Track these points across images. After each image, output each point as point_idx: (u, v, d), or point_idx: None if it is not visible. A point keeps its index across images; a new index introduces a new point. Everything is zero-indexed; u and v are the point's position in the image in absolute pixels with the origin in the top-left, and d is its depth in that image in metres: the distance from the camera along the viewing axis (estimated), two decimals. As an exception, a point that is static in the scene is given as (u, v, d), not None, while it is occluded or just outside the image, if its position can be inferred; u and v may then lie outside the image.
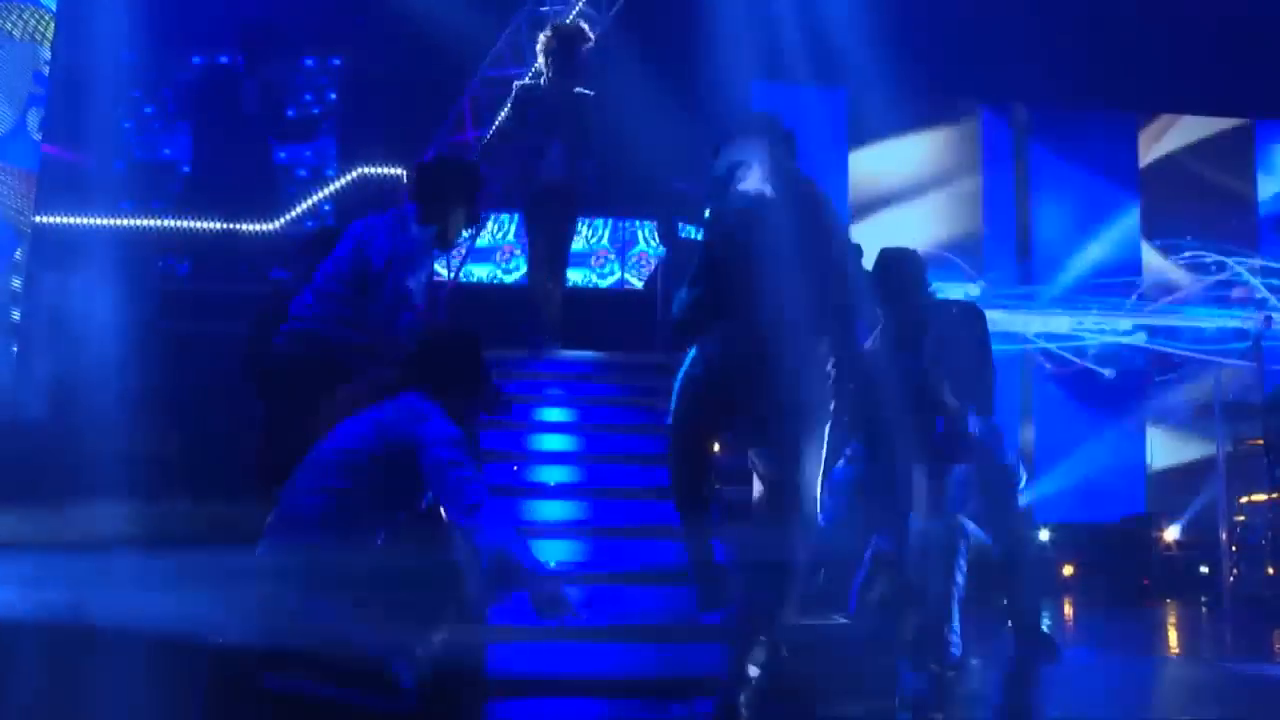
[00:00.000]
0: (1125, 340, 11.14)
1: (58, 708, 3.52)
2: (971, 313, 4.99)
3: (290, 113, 7.79)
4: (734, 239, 3.44)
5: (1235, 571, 7.13)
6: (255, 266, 6.66)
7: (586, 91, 6.11)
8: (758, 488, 4.94)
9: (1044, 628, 5.45)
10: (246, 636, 3.23)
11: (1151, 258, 11.48)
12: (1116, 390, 11.05)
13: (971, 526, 4.53)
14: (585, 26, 6.43)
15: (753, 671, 3.36)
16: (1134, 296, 11.16)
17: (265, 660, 3.18)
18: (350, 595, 3.16)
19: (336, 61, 10.00)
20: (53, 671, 3.75)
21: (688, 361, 3.59)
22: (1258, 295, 10.99)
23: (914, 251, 4.83)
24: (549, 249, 6.04)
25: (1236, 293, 9.47)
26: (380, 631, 3.19)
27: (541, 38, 6.18)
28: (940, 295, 5.00)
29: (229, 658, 3.28)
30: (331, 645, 3.13)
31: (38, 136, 6.01)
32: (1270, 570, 7.32)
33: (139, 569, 4.32)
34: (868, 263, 4.96)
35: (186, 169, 8.86)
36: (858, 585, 4.44)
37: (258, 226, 6.96)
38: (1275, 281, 11.17)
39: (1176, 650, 6.02)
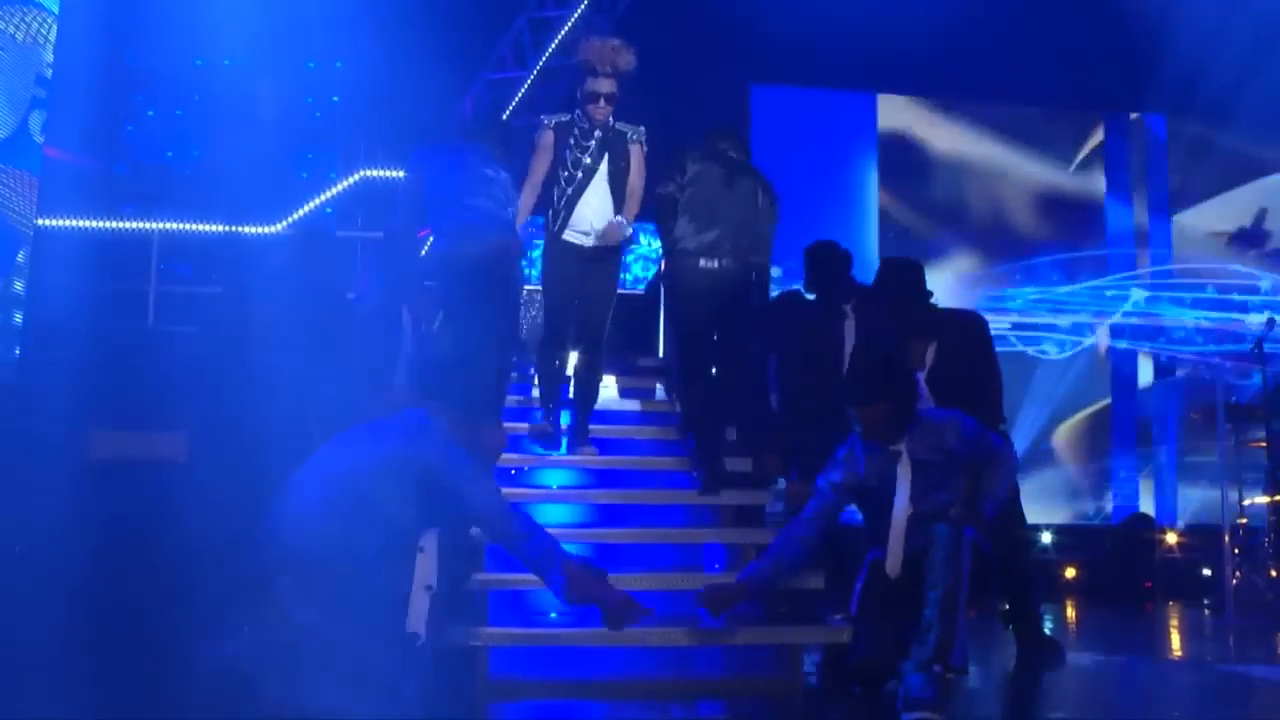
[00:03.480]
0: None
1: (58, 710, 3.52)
2: (974, 320, 4.99)
3: None
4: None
5: (1238, 574, 7.11)
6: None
7: (634, 127, 5.17)
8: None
9: (1046, 630, 5.45)
10: (245, 648, 3.22)
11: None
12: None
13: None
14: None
15: None
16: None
17: (266, 670, 3.17)
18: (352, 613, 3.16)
19: (339, 64, 10.02)
20: (55, 669, 3.76)
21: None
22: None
23: (914, 260, 4.91)
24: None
25: None
26: (379, 640, 3.19)
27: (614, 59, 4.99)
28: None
29: (229, 669, 3.28)
30: (330, 655, 3.12)
31: (40, 139, 6.02)
32: (1273, 573, 7.30)
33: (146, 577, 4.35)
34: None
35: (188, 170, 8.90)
36: (859, 586, 4.43)
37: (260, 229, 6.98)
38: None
39: (1179, 653, 6.01)
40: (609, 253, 5.07)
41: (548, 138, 5.03)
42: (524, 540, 3.29)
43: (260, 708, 3.12)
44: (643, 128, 5.13)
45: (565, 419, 5.25)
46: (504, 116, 5.35)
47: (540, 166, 5.05)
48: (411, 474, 3.28)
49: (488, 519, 3.32)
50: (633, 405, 5.88)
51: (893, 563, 3.95)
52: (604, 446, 5.19)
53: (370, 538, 3.23)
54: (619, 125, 5.07)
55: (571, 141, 5.00)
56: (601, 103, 4.96)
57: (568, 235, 4.99)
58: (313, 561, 3.18)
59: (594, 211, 4.98)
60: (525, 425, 5.40)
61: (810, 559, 4.13)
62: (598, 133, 5.00)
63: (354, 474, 3.29)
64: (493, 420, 3.66)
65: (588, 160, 4.98)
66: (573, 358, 5.33)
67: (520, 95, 9.46)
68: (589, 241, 5.01)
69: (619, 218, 5.01)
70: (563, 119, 5.06)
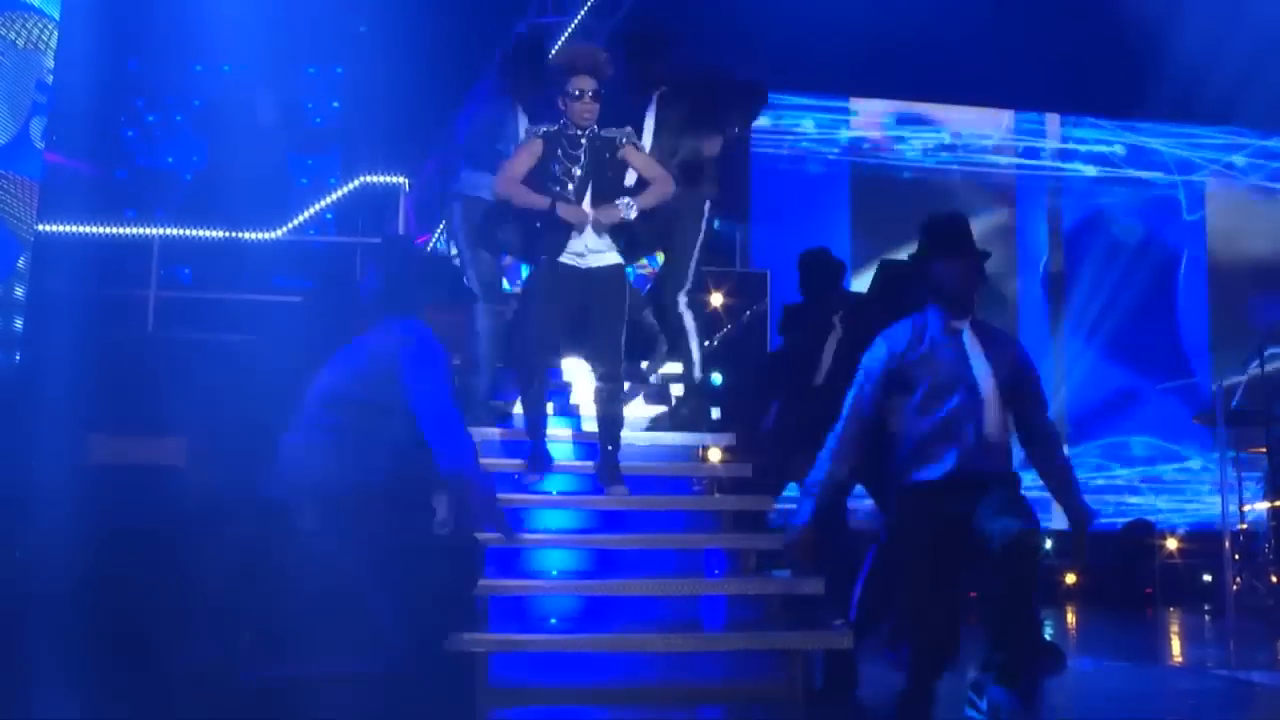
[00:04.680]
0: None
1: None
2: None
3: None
4: None
5: (1238, 580, 7.11)
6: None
7: (620, 130, 4.83)
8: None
9: (1046, 636, 5.44)
10: (226, 634, 3.33)
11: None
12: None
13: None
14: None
15: None
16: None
17: (244, 657, 3.27)
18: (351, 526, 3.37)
19: (339, 70, 10.02)
20: (55, 674, 3.77)
21: None
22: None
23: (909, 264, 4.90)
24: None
25: None
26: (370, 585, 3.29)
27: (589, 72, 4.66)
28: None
29: (206, 656, 3.37)
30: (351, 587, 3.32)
31: (40, 145, 6.01)
32: (1274, 579, 7.32)
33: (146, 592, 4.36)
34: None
35: (189, 176, 8.90)
36: (859, 589, 4.43)
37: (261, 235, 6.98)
38: None
39: (1180, 659, 6.01)
40: (611, 270, 4.75)
41: (536, 145, 4.71)
42: (443, 443, 3.49)
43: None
44: (629, 128, 4.83)
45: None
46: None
47: (521, 165, 4.69)
48: (377, 361, 3.57)
49: (423, 412, 3.51)
50: (631, 411, 5.86)
51: (983, 433, 3.69)
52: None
53: (379, 455, 3.44)
54: (605, 132, 4.74)
55: (560, 153, 4.66)
56: (588, 99, 4.63)
57: (564, 258, 4.67)
58: (330, 493, 3.41)
59: (588, 231, 4.67)
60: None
61: (867, 452, 3.88)
62: (585, 141, 4.68)
63: (347, 391, 3.55)
64: (463, 303, 3.93)
65: (578, 172, 4.66)
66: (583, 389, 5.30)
67: (520, 100, 9.44)
68: (584, 262, 4.69)
69: (624, 199, 4.67)
70: (550, 129, 4.72)
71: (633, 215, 4.69)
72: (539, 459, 4.82)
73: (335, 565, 3.40)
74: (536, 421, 4.81)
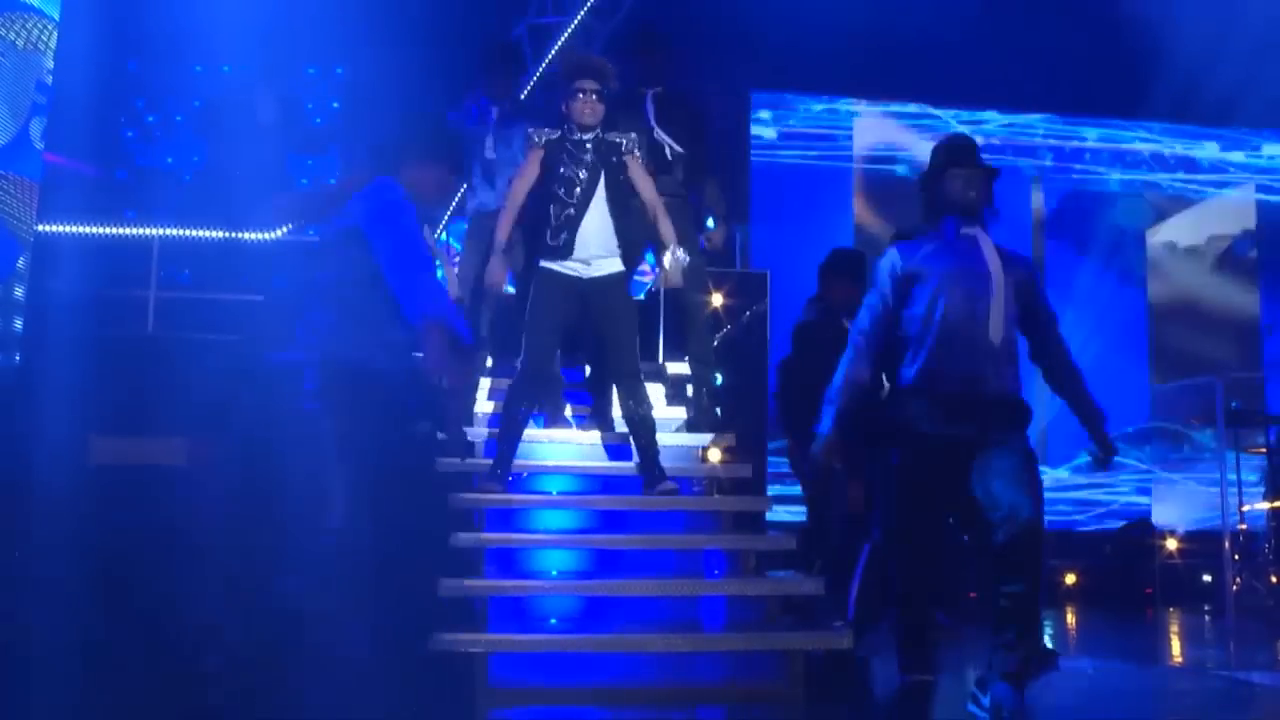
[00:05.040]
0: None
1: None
2: None
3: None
4: None
5: (1238, 580, 7.11)
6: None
7: (626, 136, 4.79)
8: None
9: (1044, 637, 5.44)
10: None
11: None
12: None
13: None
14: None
15: None
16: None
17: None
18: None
19: (339, 70, 10.02)
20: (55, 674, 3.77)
21: None
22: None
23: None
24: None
25: None
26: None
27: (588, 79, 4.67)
28: None
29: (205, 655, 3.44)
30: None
31: (40, 145, 6.02)
32: (1274, 579, 7.32)
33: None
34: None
35: (189, 177, 8.91)
36: (855, 589, 4.43)
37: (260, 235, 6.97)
38: None
39: (1179, 660, 6.00)
40: (615, 278, 4.71)
41: (538, 155, 4.68)
42: (407, 292, 3.57)
43: None
44: (634, 135, 4.80)
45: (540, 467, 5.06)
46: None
47: (523, 187, 4.70)
48: (353, 219, 3.71)
49: (388, 267, 3.59)
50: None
51: (995, 326, 3.77)
52: (602, 453, 5.20)
53: (383, 333, 3.62)
54: (609, 136, 4.71)
55: (565, 157, 4.63)
56: (592, 98, 4.61)
57: (565, 266, 4.63)
58: (332, 365, 3.67)
59: (593, 236, 4.62)
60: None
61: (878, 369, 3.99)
62: (590, 146, 4.64)
63: (329, 241, 3.81)
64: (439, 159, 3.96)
65: (584, 174, 4.61)
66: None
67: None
68: (588, 272, 4.65)
69: (675, 253, 4.67)
70: (553, 136, 4.68)
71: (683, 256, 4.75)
72: (503, 469, 4.71)
73: (320, 434, 3.63)
74: (514, 434, 4.72)
